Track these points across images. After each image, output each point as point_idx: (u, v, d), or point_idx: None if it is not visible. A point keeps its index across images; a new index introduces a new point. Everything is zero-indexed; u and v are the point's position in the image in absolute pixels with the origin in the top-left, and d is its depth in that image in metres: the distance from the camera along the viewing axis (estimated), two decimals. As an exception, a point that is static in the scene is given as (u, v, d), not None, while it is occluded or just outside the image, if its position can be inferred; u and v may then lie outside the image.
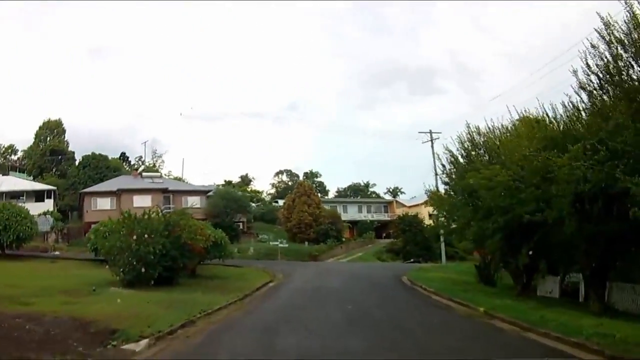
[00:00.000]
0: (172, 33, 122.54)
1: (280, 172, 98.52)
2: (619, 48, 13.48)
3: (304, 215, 58.12)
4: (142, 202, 49.17)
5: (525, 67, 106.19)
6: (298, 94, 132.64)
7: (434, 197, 25.98)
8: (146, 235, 19.30)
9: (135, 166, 76.23)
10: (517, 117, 19.71)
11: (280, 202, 72.51)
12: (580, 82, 14.53)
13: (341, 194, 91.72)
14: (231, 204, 56.63)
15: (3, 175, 60.94)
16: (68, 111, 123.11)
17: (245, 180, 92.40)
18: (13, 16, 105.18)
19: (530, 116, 18.45)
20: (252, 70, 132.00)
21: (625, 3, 13.18)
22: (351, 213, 71.37)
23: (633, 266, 17.91)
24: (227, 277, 26.59)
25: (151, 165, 78.52)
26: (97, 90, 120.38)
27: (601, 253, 16.37)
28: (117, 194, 54.90)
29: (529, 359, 9.71)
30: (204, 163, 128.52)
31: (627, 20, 13.30)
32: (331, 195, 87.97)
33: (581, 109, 15.32)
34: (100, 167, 65.23)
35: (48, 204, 53.43)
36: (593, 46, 14.09)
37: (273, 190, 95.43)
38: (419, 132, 45.92)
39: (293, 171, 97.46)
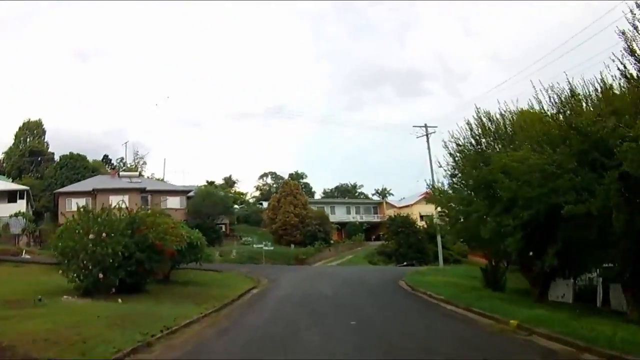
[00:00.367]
0: (158, 36, 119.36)
1: (265, 175, 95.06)
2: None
3: (290, 216, 55.03)
4: (117, 202, 45.77)
5: (510, 68, 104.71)
6: (283, 96, 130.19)
7: (436, 193, 23.12)
8: (104, 235, 16.17)
9: (117, 167, 72.82)
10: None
11: (265, 205, 69.30)
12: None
13: (328, 195, 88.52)
14: (213, 205, 53.43)
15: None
16: (51, 113, 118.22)
17: (229, 182, 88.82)
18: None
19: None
20: (237, 72, 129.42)
21: None
22: (339, 214, 68.29)
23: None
24: (204, 283, 23.54)
25: (133, 166, 75.16)
26: (81, 93, 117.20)
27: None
28: (93, 194, 51.59)
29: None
30: (188, 166, 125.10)
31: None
32: (317, 197, 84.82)
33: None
34: (78, 167, 62.24)
35: (21, 205, 50.06)
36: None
37: (257, 193, 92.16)
38: (414, 127, 43.13)
39: (278, 173, 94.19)
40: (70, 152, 64.51)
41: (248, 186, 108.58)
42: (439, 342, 10.68)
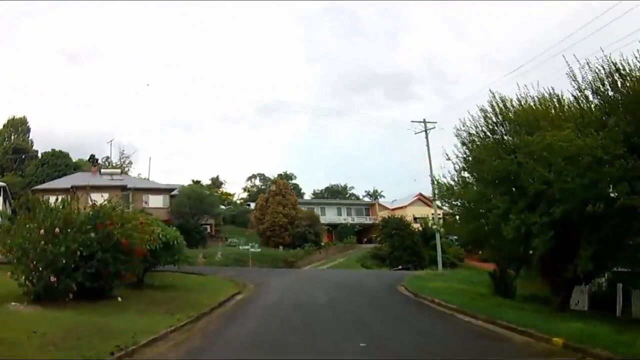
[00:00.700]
0: (148, 37, 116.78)
1: (253, 177, 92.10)
2: None
3: (279, 216, 52.28)
4: (99, 200, 43.20)
5: (502, 71, 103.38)
6: (272, 99, 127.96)
7: (442, 189, 20.62)
8: (58, 230, 13.53)
9: (99, 165, 69.91)
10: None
11: (253, 206, 66.51)
12: None
13: (318, 196, 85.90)
14: (197, 204, 50.71)
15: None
16: (43, 114, 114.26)
17: (216, 183, 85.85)
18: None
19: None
20: (226, 74, 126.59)
21: None
22: (330, 215, 65.67)
23: None
24: (184, 287, 20.90)
25: (118, 166, 72.33)
26: (71, 93, 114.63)
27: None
28: (71, 191, 48.68)
29: None
30: (176, 168, 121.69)
31: None
32: (307, 198, 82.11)
33: None
34: (60, 164, 60.03)
35: (-4, 202, 47.08)
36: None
37: (245, 195, 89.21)
38: (412, 122, 40.68)
39: (266, 175, 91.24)
40: (52, 149, 62.29)
41: (236, 188, 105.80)
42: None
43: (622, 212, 12.12)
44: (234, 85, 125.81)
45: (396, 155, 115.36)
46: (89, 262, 14.10)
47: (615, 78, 12.75)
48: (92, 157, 74.95)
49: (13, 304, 13.15)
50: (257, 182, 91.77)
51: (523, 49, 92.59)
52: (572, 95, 14.88)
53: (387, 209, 67.95)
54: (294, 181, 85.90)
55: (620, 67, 12.75)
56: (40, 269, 13.28)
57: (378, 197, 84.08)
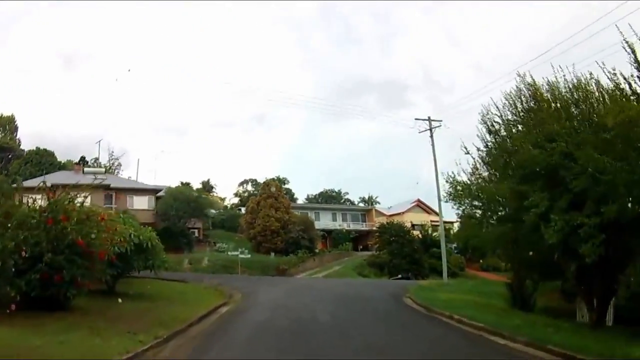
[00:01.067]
0: (141, 41, 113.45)
1: (245, 182, 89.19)
2: None
3: (271, 220, 49.45)
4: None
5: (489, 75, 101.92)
6: (266, 105, 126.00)
7: (459, 187, 17.96)
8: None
9: (82, 164, 67.16)
10: None
11: (244, 210, 63.60)
12: None
13: (312, 201, 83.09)
14: (185, 206, 47.79)
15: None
16: (35, 114, 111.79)
17: (207, 187, 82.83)
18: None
19: None
20: (219, 79, 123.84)
21: None
22: (324, 221, 62.79)
23: None
24: (161, 297, 18.16)
25: (107, 167, 69.53)
26: (63, 96, 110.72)
27: None
28: (52, 190, 45.80)
29: None
30: (167, 172, 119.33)
31: None
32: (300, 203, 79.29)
33: None
34: (44, 163, 57.18)
35: (-27, 202, 44.22)
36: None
37: (237, 200, 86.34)
38: (416, 119, 37.86)
39: (258, 180, 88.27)
40: (37, 147, 59.85)
41: (228, 193, 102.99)
42: None
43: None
44: (227, 90, 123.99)
45: (391, 162, 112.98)
46: (36, 265, 11.39)
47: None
48: (82, 159, 72.39)
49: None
50: (249, 187, 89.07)
51: (520, 54, 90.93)
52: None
53: (384, 215, 65.38)
54: (287, 186, 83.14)
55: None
56: (-28, 274, 10.55)
57: (373, 203, 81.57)
